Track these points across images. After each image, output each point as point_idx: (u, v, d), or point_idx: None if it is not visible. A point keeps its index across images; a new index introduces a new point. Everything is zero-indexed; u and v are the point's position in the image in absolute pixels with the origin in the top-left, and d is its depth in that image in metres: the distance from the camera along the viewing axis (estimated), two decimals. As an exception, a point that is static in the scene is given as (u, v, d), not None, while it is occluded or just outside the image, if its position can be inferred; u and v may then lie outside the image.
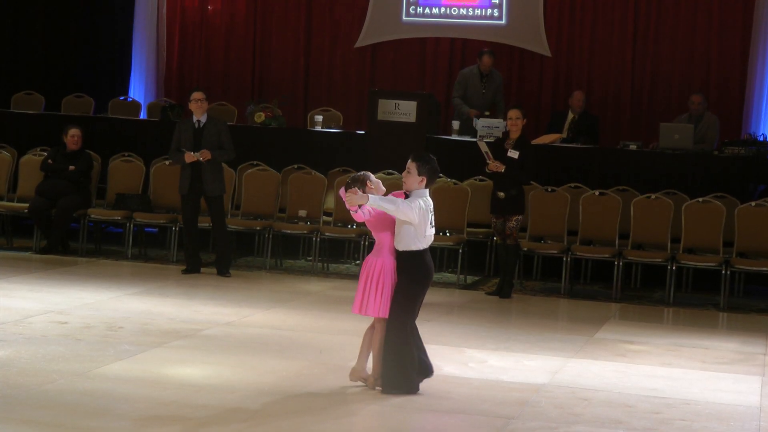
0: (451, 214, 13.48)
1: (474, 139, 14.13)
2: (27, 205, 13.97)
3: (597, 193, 13.47)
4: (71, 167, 13.96)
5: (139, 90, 17.73)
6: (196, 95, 12.91)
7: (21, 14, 18.08)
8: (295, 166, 14.36)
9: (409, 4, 17.22)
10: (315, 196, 13.94)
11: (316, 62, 17.71)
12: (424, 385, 8.29)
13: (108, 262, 13.61)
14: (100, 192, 14.56)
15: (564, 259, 13.08)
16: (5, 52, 17.93)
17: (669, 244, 13.06)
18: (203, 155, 12.68)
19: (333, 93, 17.54)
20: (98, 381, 7.82)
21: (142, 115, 16.66)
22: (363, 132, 15.04)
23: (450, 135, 14.88)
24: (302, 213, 13.94)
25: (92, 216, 14.00)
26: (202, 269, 13.00)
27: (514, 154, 12.42)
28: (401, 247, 7.86)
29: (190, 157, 12.68)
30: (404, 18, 17.28)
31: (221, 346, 9.23)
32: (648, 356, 9.85)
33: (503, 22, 16.95)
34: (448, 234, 13.53)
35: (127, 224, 13.98)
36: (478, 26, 17.02)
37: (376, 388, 7.99)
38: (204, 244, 13.61)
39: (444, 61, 17.30)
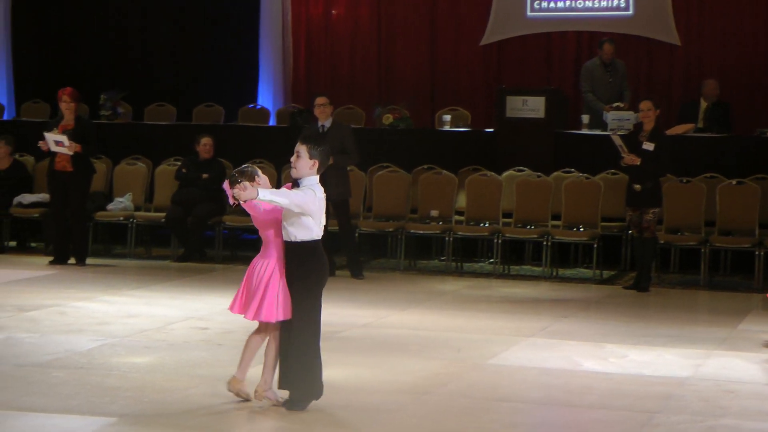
0: (584, 208, 13.37)
1: (604, 133, 14.00)
2: (164, 214, 14.24)
3: (734, 182, 13.23)
4: (204, 175, 14.19)
5: (267, 97, 17.94)
6: (319, 100, 13.01)
7: (151, 31, 18.44)
8: (425, 167, 14.38)
9: (533, -1, 17.14)
10: (446, 196, 13.94)
11: (442, 62, 17.71)
12: (564, 380, 8.25)
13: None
14: (234, 199, 14.72)
15: (702, 250, 12.87)
16: (138, 68, 18.30)
17: (812, 232, 12.77)
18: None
19: (460, 92, 17.51)
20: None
21: (271, 122, 16.85)
22: (492, 130, 15.00)
23: (580, 129, 14.76)
24: (434, 213, 13.95)
25: (227, 223, 14.20)
26: (337, 272, 13.09)
27: (649, 146, 12.27)
28: (300, 237, 7.24)
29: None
30: (529, 13, 17.18)
31: (359, 348, 9.30)
32: (794, 347, 9.65)
33: (630, 12, 16.74)
34: (581, 229, 13.42)
35: (261, 230, 14.11)
36: (605, 18, 16.84)
37: (275, 398, 7.37)
38: (337, 248, 13.68)
39: (571, 55, 17.16)
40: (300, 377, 7.21)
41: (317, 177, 7.40)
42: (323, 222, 7.42)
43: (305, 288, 7.27)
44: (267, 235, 7.40)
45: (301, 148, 7.36)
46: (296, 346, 7.21)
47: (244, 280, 7.42)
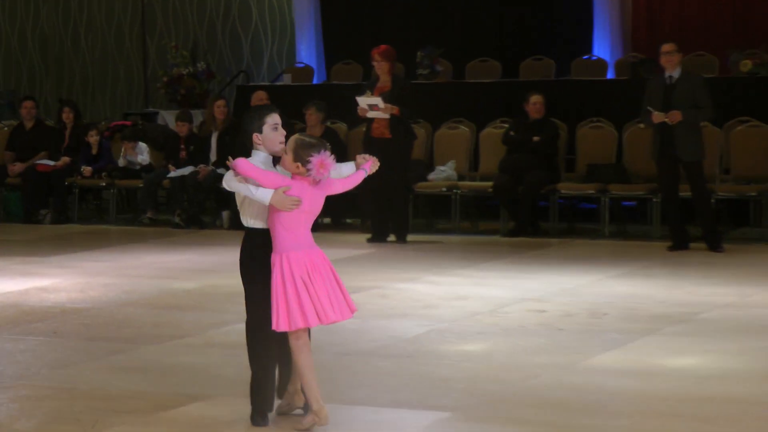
0: None
1: None
2: (491, 183, 14.34)
3: None
4: (535, 138, 14.19)
5: (604, 47, 17.74)
6: (666, 47, 12.83)
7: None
8: (795, 120, 13.93)
9: None
10: (820, 153, 13.48)
11: (809, -5, 17.05)
12: None
13: (583, 241, 13.75)
14: (568, 164, 14.73)
15: None
16: (458, 20, 18.43)
17: None
18: (671, 117, 12.54)
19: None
20: (586, 374, 7.88)
21: (609, 75, 16.69)
22: None
23: None
24: (805, 173, 13.50)
25: (562, 191, 14.18)
26: (691, 245, 12.86)
27: None
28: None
29: (657, 117, 12.60)
30: None
31: (722, 331, 9.09)
32: None
33: None
34: None
35: (602, 198, 14.06)
36: None
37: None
38: (690, 216, 13.42)
39: None
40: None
41: None
42: None
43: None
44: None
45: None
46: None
47: (327, 279, 6.74)
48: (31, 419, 6.96)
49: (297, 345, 6.70)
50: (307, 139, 6.78)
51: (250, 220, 6.83)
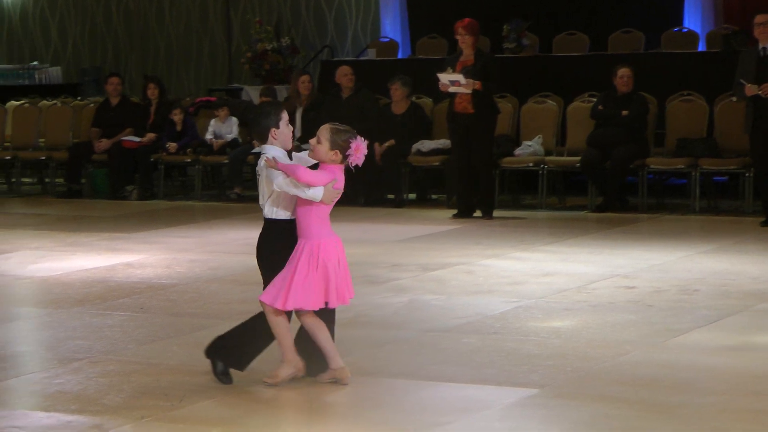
0: None
1: None
2: (578, 158, 14.28)
3: None
4: (624, 112, 14.10)
5: (695, 18, 17.56)
6: (759, 18, 12.75)
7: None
8: None
9: None
10: None
11: None
12: None
13: (672, 217, 13.68)
14: (658, 138, 14.63)
15: None
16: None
17: None
18: (765, 89, 12.44)
19: None
20: (677, 351, 7.86)
21: (701, 47, 16.53)
22: None
23: None
24: None
25: (651, 166, 14.10)
26: (784, 220, 12.82)
27: None
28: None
29: (750, 90, 12.49)
30: None
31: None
32: None
33: None
34: None
35: (692, 173, 13.96)
36: None
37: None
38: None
39: None
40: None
41: None
42: None
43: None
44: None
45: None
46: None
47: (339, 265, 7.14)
48: (119, 393, 7.08)
49: (277, 319, 7.21)
50: (340, 126, 7.07)
51: (280, 212, 7.14)
